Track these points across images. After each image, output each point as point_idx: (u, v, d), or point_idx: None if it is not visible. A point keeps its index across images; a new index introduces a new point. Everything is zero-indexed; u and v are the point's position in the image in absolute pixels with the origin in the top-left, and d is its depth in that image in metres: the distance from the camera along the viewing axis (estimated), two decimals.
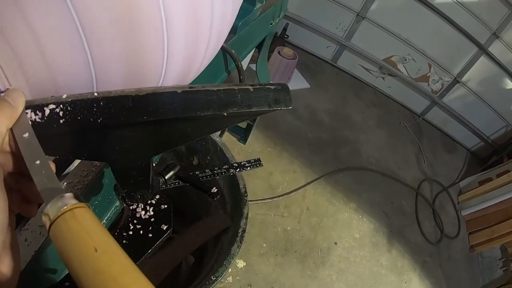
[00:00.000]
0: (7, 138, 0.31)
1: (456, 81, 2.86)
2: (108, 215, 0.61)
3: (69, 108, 0.32)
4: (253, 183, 1.99)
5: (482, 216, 2.38)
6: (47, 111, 0.32)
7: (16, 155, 0.32)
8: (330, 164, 2.33)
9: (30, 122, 0.31)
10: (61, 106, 0.32)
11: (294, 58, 2.62)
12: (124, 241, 0.44)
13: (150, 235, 0.45)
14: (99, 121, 0.33)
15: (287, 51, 2.62)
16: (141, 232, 0.45)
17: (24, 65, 0.31)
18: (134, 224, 0.45)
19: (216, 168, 0.85)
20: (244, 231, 0.96)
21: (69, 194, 0.28)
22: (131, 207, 0.46)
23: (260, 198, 1.92)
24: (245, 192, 1.05)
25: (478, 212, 2.42)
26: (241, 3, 0.56)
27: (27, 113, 0.32)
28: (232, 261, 0.89)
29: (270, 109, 0.38)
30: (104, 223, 0.60)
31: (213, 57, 0.54)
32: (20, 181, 0.33)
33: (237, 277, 1.59)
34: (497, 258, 2.22)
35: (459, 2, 2.51)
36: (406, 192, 2.46)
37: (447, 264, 2.16)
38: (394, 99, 3.23)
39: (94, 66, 0.33)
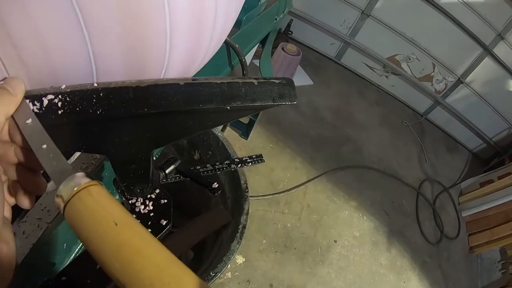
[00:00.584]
0: (6, 127, 0.30)
1: (459, 81, 2.85)
2: None
3: (68, 99, 0.31)
4: (254, 178, 1.98)
5: (482, 218, 2.37)
6: (45, 102, 0.31)
7: (17, 143, 0.31)
8: (332, 161, 2.33)
9: (32, 108, 0.31)
10: (59, 96, 0.31)
11: (297, 54, 2.61)
12: None
13: (150, 230, 0.44)
14: (98, 112, 0.32)
15: (291, 47, 2.61)
16: None
17: (24, 57, 0.30)
18: None
19: (217, 163, 0.84)
20: (244, 227, 0.96)
21: (80, 173, 0.28)
22: (130, 201, 0.45)
23: (261, 194, 1.92)
24: (246, 188, 1.05)
25: (478, 213, 2.41)
26: None
27: (26, 101, 0.31)
28: (231, 257, 0.89)
29: (274, 103, 0.37)
30: None
31: (216, 51, 0.53)
32: (18, 172, 0.33)
33: (236, 273, 1.58)
34: (496, 260, 2.21)
35: (465, 2, 2.49)
36: (407, 191, 2.45)
37: (446, 264, 2.16)
38: (397, 98, 3.22)
39: (94, 58, 0.33)
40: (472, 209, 2.46)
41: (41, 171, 0.33)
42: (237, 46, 0.88)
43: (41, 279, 0.54)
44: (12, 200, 0.33)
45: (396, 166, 2.58)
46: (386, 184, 2.41)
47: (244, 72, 1.00)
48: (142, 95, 0.33)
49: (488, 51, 2.62)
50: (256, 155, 0.89)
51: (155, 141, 0.37)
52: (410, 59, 2.95)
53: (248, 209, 1.01)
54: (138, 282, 0.24)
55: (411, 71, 3.01)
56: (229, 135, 2.09)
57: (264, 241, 1.75)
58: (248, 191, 1.05)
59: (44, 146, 0.30)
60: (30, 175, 0.33)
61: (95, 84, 0.33)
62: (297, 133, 2.40)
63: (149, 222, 0.45)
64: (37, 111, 0.31)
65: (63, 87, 0.32)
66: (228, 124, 2.03)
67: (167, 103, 0.34)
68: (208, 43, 0.45)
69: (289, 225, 1.87)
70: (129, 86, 0.33)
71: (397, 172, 2.53)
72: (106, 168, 0.58)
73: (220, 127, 1.53)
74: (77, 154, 0.57)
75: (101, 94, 0.32)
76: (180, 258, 1.15)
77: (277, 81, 0.37)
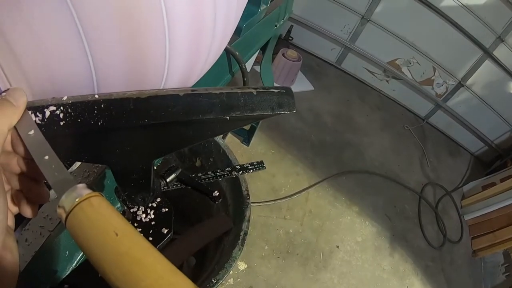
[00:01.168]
0: (9, 138, 0.31)
1: (460, 84, 2.85)
2: None
3: (69, 110, 0.32)
4: (255, 185, 1.98)
5: (485, 221, 2.37)
6: (47, 113, 0.32)
7: (19, 154, 0.32)
8: (333, 167, 2.33)
9: (34, 119, 0.31)
10: (61, 108, 0.32)
11: (298, 60, 2.62)
12: None
13: (151, 238, 0.44)
14: (99, 123, 0.33)
15: (292, 53, 2.62)
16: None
17: (25, 67, 0.30)
18: (134, 227, 0.45)
19: (218, 170, 0.84)
20: (246, 234, 0.96)
21: (82, 185, 0.29)
22: (132, 210, 0.46)
23: (263, 200, 1.92)
24: (248, 194, 1.05)
25: (481, 217, 2.41)
26: (245, 5, 0.55)
27: (29, 113, 0.31)
28: (233, 264, 0.89)
29: (273, 113, 0.38)
30: None
31: (217, 59, 0.53)
32: (21, 182, 0.33)
33: (238, 279, 1.58)
34: (500, 264, 2.20)
35: (464, 5, 2.50)
36: (409, 196, 2.45)
37: (449, 268, 2.15)
38: (398, 102, 3.22)
39: (95, 69, 0.33)
40: (474, 213, 2.45)
41: (44, 181, 0.34)
42: (237, 53, 0.88)
43: (43, 287, 0.54)
44: (15, 209, 0.34)
45: (398, 170, 2.58)
46: (388, 189, 2.41)
47: (245, 79, 1.01)
48: (142, 106, 0.33)
49: (488, 53, 2.62)
50: (257, 162, 0.90)
51: (156, 151, 0.38)
52: (410, 63, 2.95)
53: (250, 216, 1.01)
54: None
55: (411, 75, 3.01)
56: (230, 142, 2.09)
57: (266, 247, 1.75)
58: (249, 198, 1.05)
59: (46, 157, 0.30)
60: (33, 184, 0.34)
61: (96, 96, 0.33)
62: (298, 139, 2.40)
63: (151, 231, 0.45)
64: (39, 122, 0.32)
65: (64, 98, 0.33)
66: (229, 131, 2.04)
67: (167, 114, 0.34)
68: (208, 51, 0.45)
69: (291, 231, 1.87)
70: (129, 98, 0.33)
71: (399, 177, 2.53)
72: (108, 177, 0.59)
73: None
74: (79, 162, 0.57)
75: (102, 106, 0.33)
76: (182, 264, 1.16)
77: (275, 91, 0.38)
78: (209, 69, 0.53)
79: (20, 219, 0.45)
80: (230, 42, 0.88)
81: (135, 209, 0.46)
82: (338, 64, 3.23)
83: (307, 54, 3.22)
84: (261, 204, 1.91)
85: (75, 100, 0.32)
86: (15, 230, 0.33)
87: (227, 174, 0.86)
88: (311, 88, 2.87)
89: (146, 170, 0.39)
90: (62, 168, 0.30)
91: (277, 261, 1.72)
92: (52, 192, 0.37)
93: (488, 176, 2.63)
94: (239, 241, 0.94)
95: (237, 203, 1.08)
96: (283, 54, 2.61)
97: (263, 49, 1.42)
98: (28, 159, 0.32)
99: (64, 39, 0.30)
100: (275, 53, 2.55)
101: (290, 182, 2.09)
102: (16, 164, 0.32)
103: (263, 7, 0.99)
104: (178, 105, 0.34)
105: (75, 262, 0.60)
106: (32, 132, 0.31)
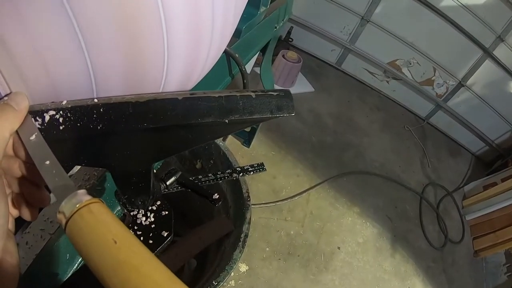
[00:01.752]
0: (10, 142, 0.31)
1: (460, 84, 2.85)
2: None
3: (69, 115, 0.32)
4: (256, 186, 1.98)
5: (486, 221, 2.36)
6: (47, 117, 0.32)
7: (21, 158, 0.32)
8: (334, 168, 2.33)
9: (36, 124, 0.31)
10: (61, 112, 0.32)
11: (298, 61, 2.62)
12: None
13: (151, 241, 0.44)
14: (99, 127, 0.33)
15: (292, 54, 2.62)
16: (142, 238, 0.45)
17: (24, 71, 0.31)
18: (134, 230, 0.45)
19: (219, 172, 0.85)
20: (246, 236, 0.96)
21: (82, 191, 0.29)
22: (132, 213, 0.46)
23: (264, 202, 1.92)
24: (248, 197, 1.05)
25: (482, 217, 2.40)
26: (244, 7, 0.56)
27: (31, 117, 0.31)
28: (234, 266, 0.89)
29: (272, 116, 0.38)
30: None
31: (216, 61, 0.53)
32: (22, 185, 0.33)
33: (240, 281, 1.58)
34: (502, 264, 2.20)
35: (463, 5, 2.50)
36: (410, 196, 2.44)
37: (451, 269, 2.15)
38: (398, 103, 3.22)
39: (94, 74, 0.33)
40: (476, 213, 2.45)
41: (45, 185, 0.34)
42: (237, 55, 0.88)
43: None
44: (15, 212, 0.34)
45: (399, 171, 2.58)
46: (388, 190, 2.41)
47: (245, 81, 1.01)
48: (141, 110, 0.34)
49: (488, 53, 2.62)
50: (258, 164, 0.90)
51: (155, 154, 0.38)
52: (410, 64, 2.96)
53: (250, 218, 1.01)
54: None
55: (411, 76, 3.01)
56: (230, 143, 2.09)
57: (267, 248, 1.75)
58: (249, 200, 1.05)
59: (47, 162, 0.30)
60: (34, 188, 0.34)
61: (96, 100, 0.33)
62: (298, 140, 2.40)
63: (151, 234, 0.45)
64: (39, 126, 0.32)
65: (64, 102, 0.33)
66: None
67: (166, 118, 0.34)
68: (207, 53, 0.45)
69: (292, 232, 1.87)
70: (128, 102, 0.34)
71: (399, 177, 2.52)
72: (108, 180, 0.59)
73: None
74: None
75: (101, 110, 0.33)
76: (183, 267, 1.16)
77: (274, 94, 0.38)
78: (209, 71, 0.53)
79: (20, 222, 0.45)
80: (230, 44, 0.88)
81: (135, 212, 0.46)
82: (338, 65, 3.24)
83: (307, 55, 3.22)
84: (262, 205, 1.90)
85: (75, 105, 0.32)
86: (15, 233, 0.33)
87: (227, 176, 0.86)
88: (311, 89, 2.87)
89: (145, 173, 0.40)
90: (62, 173, 0.30)
91: (278, 262, 1.72)
92: (52, 195, 0.37)
93: (489, 176, 2.63)
94: (240, 243, 0.94)
95: (238, 205, 1.08)
96: (283, 56, 2.61)
97: (263, 50, 1.42)
98: (29, 163, 0.32)
99: (62, 43, 0.30)
100: (275, 54, 2.55)
101: (290, 184, 2.09)
102: (17, 168, 0.32)
103: (262, 9, 0.99)
104: (177, 109, 0.35)
105: (76, 265, 0.60)
106: (33, 137, 0.31)
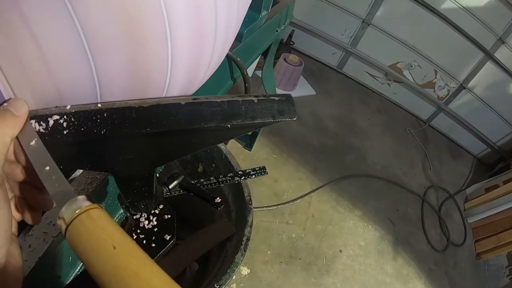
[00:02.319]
0: (11, 148, 0.31)
1: (462, 87, 2.85)
2: None
3: (73, 119, 0.32)
4: (258, 190, 1.98)
5: (488, 224, 2.36)
6: (51, 122, 0.32)
7: (21, 163, 0.32)
8: (336, 171, 2.33)
9: (35, 130, 0.32)
10: (65, 117, 0.32)
11: (299, 64, 2.62)
12: None
13: (153, 245, 0.45)
14: (102, 132, 0.33)
15: (293, 57, 2.63)
16: (144, 242, 0.45)
17: (29, 76, 0.31)
18: (137, 234, 0.45)
19: (221, 176, 0.85)
20: (248, 239, 0.96)
21: (82, 197, 0.29)
22: (134, 217, 0.46)
23: (265, 205, 1.92)
24: (250, 200, 1.05)
25: (484, 219, 2.40)
26: (246, 11, 0.56)
27: (30, 123, 0.32)
28: (236, 269, 0.89)
29: (274, 120, 0.38)
30: None
31: (218, 66, 0.54)
32: (24, 190, 0.34)
33: (241, 284, 1.58)
34: (504, 266, 2.19)
35: (464, 7, 2.50)
36: (412, 199, 2.44)
37: (453, 272, 2.14)
38: (400, 106, 3.22)
39: (98, 78, 0.33)
40: (478, 215, 2.44)
41: None
42: (238, 59, 0.89)
43: None
44: (18, 216, 0.34)
45: (400, 174, 2.58)
46: (390, 192, 2.41)
47: (246, 85, 1.01)
48: (144, 115, 0.34)
49: (489, 55, 2.62)
50: (259, 167, 0.90)
51: (158, 158, 0.38)
52: (411, 66, 2.96)
53: (252, 221, 1.01)
54: None
55: (413, 78, 3.01)
56: (232, 147, 2.09)
57: (269, 252, 1.75)
58: (251, 203, 1.05)
59: (47, 168, 0.31)
60: (36, 192, 0.34)
61: (99, 105, 0.34)
62: (300, 144, 2.40)
63: (153, 237, 0.45)
64: (43, 131, 0.32)
65: (68, 107, 0.33)
66: None
67: (169, 123, 0.34)
68: (209, 59, 0.45)
69: (294, 235, 1.87)
70: (132, 107, 0.34)
71: (401, 180, 2.52)
72: (111, 183, 0.59)
73: None
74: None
75: (105, 115, 0.33)
76: (185, 270, 1.16)
77: (276, 98, 0.38)
78: (211, 75, 0.54)
79: (23, 225, 0.45)
80: (231, 48, 0.88)
81: (137, 216, 0.46)
82: (339, 68, 3.24)
83: (309, 58, 3.23)
84: (264, 209, 1.91)
85: (78, 109, 0.33)
86: (18, 235, 0.33)
87: (229, 179, 0.86)
88: (312, 92, 2.87)
89: (148, 177, 0.40)
90: (62, 179, 0.31)
91: (280, 266, 1.72)
92: None
93: (491, 178, 2.62)
94: (242, 246, 0.94)
95: (240, 209, 1.08)
96: (284, 59, 2.62)
97: (265, 54, 1.43)
98: (30, 168, 0.32)
99: (67, 49, 0.31)
100: (276, 58, 2.56)
101: (292, 187, 2.09)
102: (19, 173, 0.33)
103: (264, 12, 1.00)
104: (179, 114, 0.35)
105: (78, 267, 0.61)
106: (33, 142, 0.31)
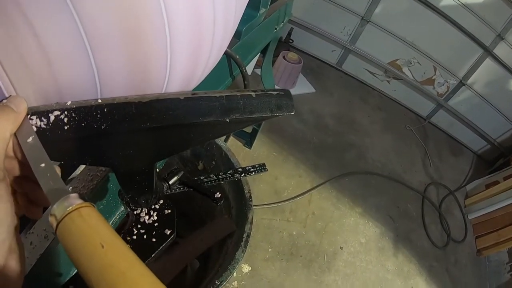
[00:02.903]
0: (11, 143, 0.32)
1: (461, 83, 2.85)
2: (113, 219, 0.62)
3: (73, 115, 0.33)
4: (258, 187, 1.99)
5: (489, 220, 2.36)
6: (52, 118, 0.32)
7: (21, 159, 0.32)
8: (336, 168, 2.33)
9: (33, 127, 0.32)
10: (65, 112, 0.33)
11: (299, 62, 2.63)
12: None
13: (154, 239, 0.45)
14: (103, 127, 0.33)
15: (292, 55, 2.63)
16: (145, 236, 0.45)
17: (30, 73, 0.31)
18: (138, 229, 0.45)
19: (221, 173, 0.85)
20: (248, 236, 0.96)
21: (74, 195, 0.29)
22: (135, 212, 0.46)
23: (266, 203, 1.92)
24: (250, 197, 1.06)
25: (485, 215, 2.40)
26: (245, 8, 0.56)
27: (32, 119, 0.32)
28: (236, 266, 0.90)
29: (272, 115, 0.38)
30: None
31: (217, 63, 0.54)
32: (25, 185, 0.34)
33: (242, 282, 1.58)
34: (505, 262, 2.20)
35: (463, 4, 2.51)
36: (412, 196, 2.45)
37: (454, 268, 2.15)
38: (399, 103, 3.22)
39: (98, 75, 0.34)
40: (478, 211, 2.45)
41: None
42: (237, 57, 0.89)
43: None
44: (20, 211, 0.34)
45: (400, 170, 2.58)
46: (390, 189, 2.41)
47: (245, 82, 1.01)
48: (144, 110, 0.34)
49: (488, 52, 2.62)
50: (259, 164, 0.90)
51: (158, 153, 0.39)
52: (411, 63, 2.96)
53: (252, 218, 1.01)
54: None
55: (412, 75, 3.02)
56: (232, 145, 2.10)
57: (269, 249, 1.75)
58: (251, 200, 1.06)
59: (43, 165, 0.31)
60: (37, 187, 0.34)
61: (99, 100, 0.34)
62: (300, 141, 2.40)
63: (154, 232, 0.46)
64: (44, 126, 0.32)
65: (68, 103, 0.33)
66: (232, 134, 2.04)
67: (168, 117, 0.35)
68: (208, 55, 0.46)
69: (294, 233, 1.87)
70: (131, 102, 0.34)
71: (401, 177, 2.53)
72: (111, 180, 0.59)
73: (223, 137, 1.54)
74: (83, 166, 0.58)
75: (105, 110, 0.34)
76: (186, 267, 1.16)
77: (274, 93, 0.39)
78: (210, 72, 0.54)
79: (24, 222, 0.45)
80: (230, 45, 0.89)
81: (138, 211, 0.47)
82: (338, 66, 3.24)
83: (308, 56, 3.23)
84: (264, 206, 1.91)
85: (79, 105, 0.33)
86: (20, 233, 0.34)
87: (229, 176, 0.86)
88: (312, 90, 2.88)
89: (149, 172, 0.40)
90: (57, 176, 0.31)
91: (280, 263, 1.72)
92: None
93: (491, 175, 2.62)
94: (242, 244, 0.95)
95: (240, 206, 1.08)
96: (283, 57, 2.62)
97: (264, 52, 1.43)
98: (27, 164, 0.32)
99: (68, 46, 0.31)
100: (275, 55, 2.56)
101: (292, 184, 2.10)
102: (19, 169, 0.33)
103: (262, 10, 1.00)
104: (179, 109, 0.35)
105: None
106: (30, 139, 0.31)
